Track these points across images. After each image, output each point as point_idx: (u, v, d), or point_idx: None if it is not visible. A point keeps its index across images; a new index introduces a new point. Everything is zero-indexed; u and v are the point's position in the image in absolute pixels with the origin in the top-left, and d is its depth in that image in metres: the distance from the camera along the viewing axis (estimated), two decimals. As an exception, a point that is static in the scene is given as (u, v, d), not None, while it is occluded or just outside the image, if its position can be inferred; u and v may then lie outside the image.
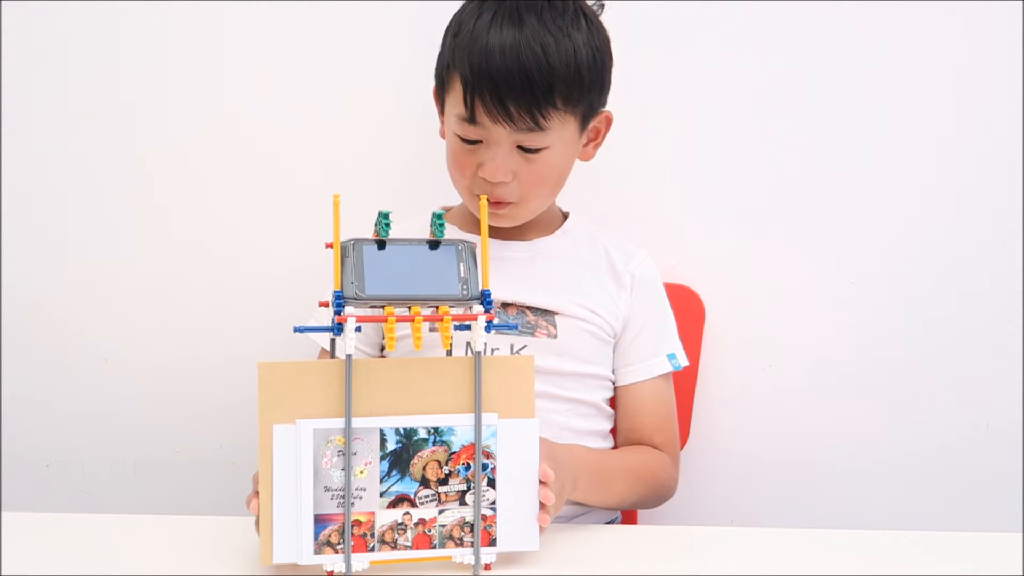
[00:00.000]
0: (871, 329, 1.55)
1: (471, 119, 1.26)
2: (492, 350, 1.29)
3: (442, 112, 1.36)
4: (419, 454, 0.95)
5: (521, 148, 1.27)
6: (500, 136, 1.26)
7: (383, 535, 0.94)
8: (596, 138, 1.38)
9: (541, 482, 1.01)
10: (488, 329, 0.95)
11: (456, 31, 1.29)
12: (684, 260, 1.54)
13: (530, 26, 1.23)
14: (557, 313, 1.33)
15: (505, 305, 1.32)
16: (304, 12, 1.54)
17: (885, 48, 1.52)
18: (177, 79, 1.56)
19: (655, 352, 1.38)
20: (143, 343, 1.58)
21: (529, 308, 1.33)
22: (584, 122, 1.32)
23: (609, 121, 1.37)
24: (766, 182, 1.54)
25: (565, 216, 1.44)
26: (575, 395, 1.33)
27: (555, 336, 1.32)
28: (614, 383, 1.39)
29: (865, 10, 1.51)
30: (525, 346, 1.30)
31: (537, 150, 1.27)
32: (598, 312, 1.35)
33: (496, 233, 1.35)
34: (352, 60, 1.55)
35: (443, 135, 1.37)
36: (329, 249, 0.94)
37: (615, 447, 1.38)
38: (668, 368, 1.38)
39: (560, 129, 1.28)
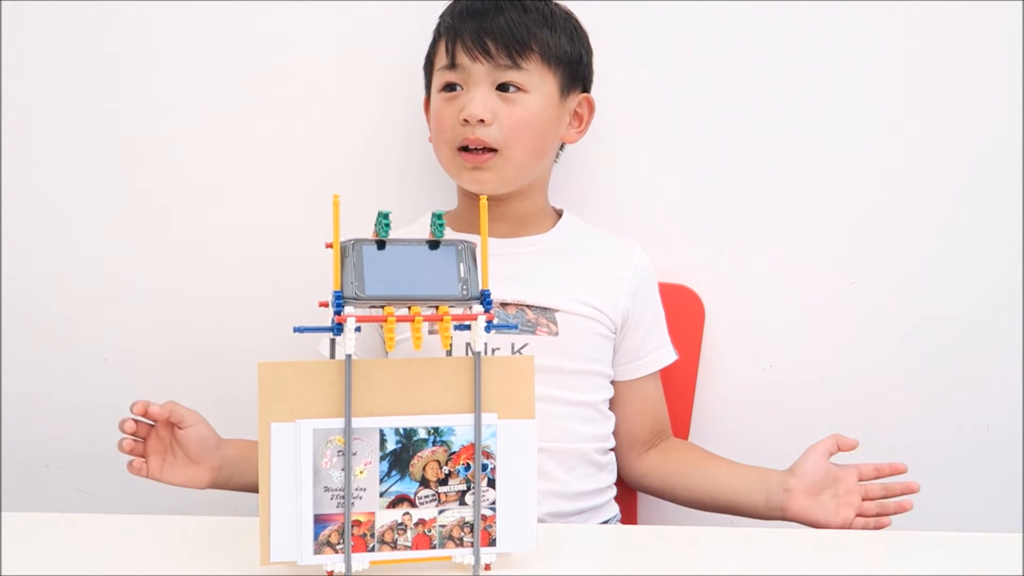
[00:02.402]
0: (871, 329, 1.55)
1: (451, 63, 1.33)
2: (493, 350, 1.29)
3: (429, 104, 1.40)
4: (419, 454, 0.95)
5: (501, 89, 1.32)
6: (479, 75, 1.32)
7: (383, 535, 0.94)
8: (580, 124, 1.42)
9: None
10: (488, 329, 0.95)
11: (442, 15, 1.39)
12: (684, 260, 1.54)
13: None
14: (557, 310, 1.33)
15: (504, 304, 1.32)
16: (306, 12, 1.54)
17: (885, 48, 1.52)
18: (177, 79, 1.56)
19: (663, 343, 1.42)
20: (143, 343, 1.58)
21: (529, 306, 1.33)
22: (564, 89, 1.37)
23: (591, 106, 1.43)
24: (766, 182, 1.54)
25: (559, 215, 1.45)
26: (577, 396, 1.34)
27: (556, 334, 1.32)
28: (613, 381, 1.40)
29: (865, 10, 1.51)
30: (526, 344, 1.31)
31: (516, 90, 1.32)
32: (598, 307, 1.36)
33: (491, 232, 1.36)
34: (353, 61, 1.55)
35: (431, 139, 1.40)
36: (329, 249, 0.94)
37: (623, 437, 1.41)
38: (673, 357, 1.41)
39: (539, 78, 1.34)
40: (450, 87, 1.34)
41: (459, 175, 1.36)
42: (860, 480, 1.24)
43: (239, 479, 1.30)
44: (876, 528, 1.23)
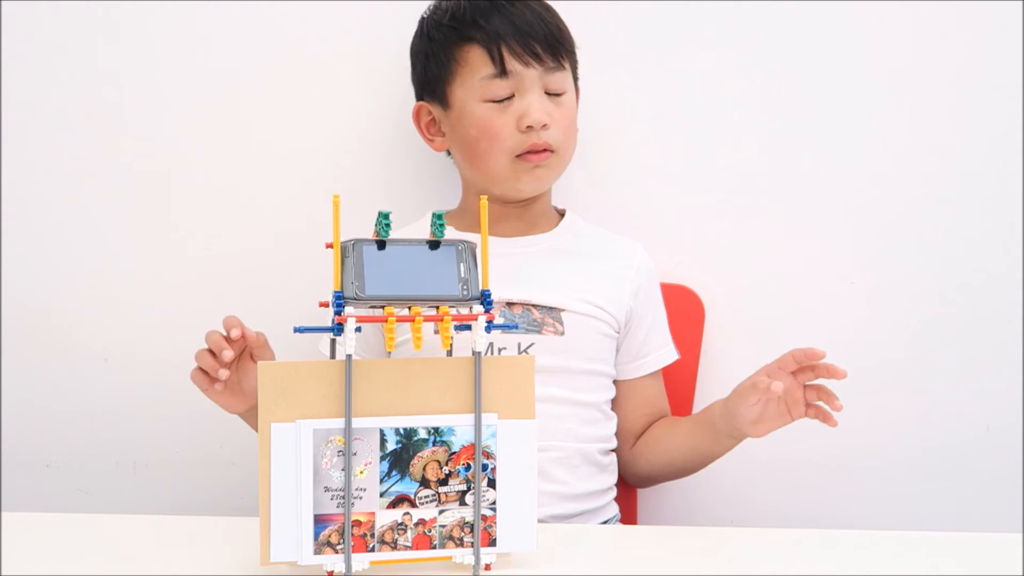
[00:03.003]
0: (871, 329, 1.55)
1: (502, 71, 1.32)
2: (499, 350, 1.29)
3: (443, 114, 1.37)
4: (419, 454, 0.95)
5: (548, 93, 1.34)
6: (532, 80, 1.33)
7: (383, 535, 0.94)
8: None
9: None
10: (488, 329, 0.95)
11: (439, 21, 1.37)
12: (683, 260, 1.54)
13: None
14: (563, 310, 1.34)
15: (510, 304, 1.32)
16: (308, 12, 1.54)
17: (885, 48, 1.52)
18: (177, 80, 1.56)
19: (664, 343, 1.42)
20: (143, 343, 1.58)
21: (535, 306, 1.33)
22: (575, 83, 1.40)
23: (577, 95, 1.44)
24: (766, 182, 1.54)
25: (561, 214, 1.45)
26: (581, 396, 1.34)
27: (562, 333, 1.32)
28: (615, 380, 1.40)
29: (866, 10, 1.51)
30: (532, 344, 1.31)
31: (561, 93, 1.35)
32: (603, 307, 1.36)
33: (497, 231, 1.36)
34: (354, 61, 1.55)
35: (437, 148, 1.39)
36: (329, 249, 0.94)
37: (619, 434, 1.40)
38: (675, 356, 1.41)
39: (569, 77, 1.38)
40: (502, 95, 1.33)
41: (518, 180, 1.35)
42: (787, 371, 1.19)
43: None
44: (831, 410, 1.19)
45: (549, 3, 1.40)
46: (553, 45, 1.33)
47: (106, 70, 1.56)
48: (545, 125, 1.32)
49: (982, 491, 1.55)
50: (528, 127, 1.31)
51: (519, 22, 1.32)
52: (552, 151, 1.34)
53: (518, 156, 1.33)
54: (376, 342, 1.37)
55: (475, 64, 1.33)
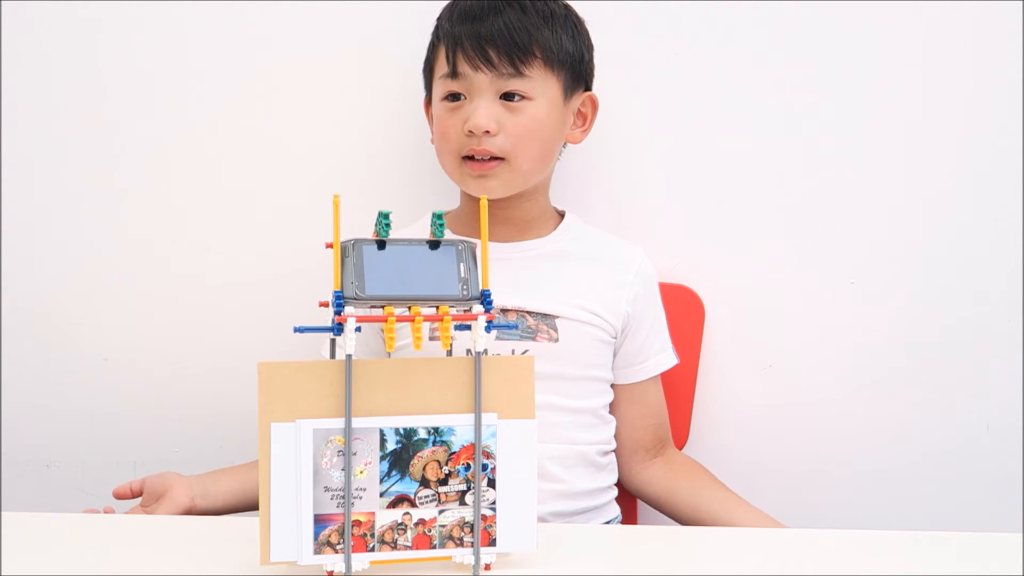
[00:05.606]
0: (871, 330, 1.55)
1: (453, 72, 1.31)
2: None
3: (430, 105, 1.39)
4: (419, 454, 0.95)
5: (505, 98, 1.31)
6: (482, 85, 1.30)
7: (383, 535, 0.94)
8: (584, 123, 1.41)
9: None
10: (488, 329, 0.95)
11: (440, 17, 1.37)
12: (684, 260, 1.54)
13: None
14: (557, 316, 1.33)
15: (505, 311, 1.32)
16: (306, 12, 1.54)
17: (886, 49, 1.52)
18: (177, 79, 1.56)
19: (663, 347, 1.41)
20: (143, 343, 1.58)
21: (529, 312, 1.33)
22: (567, 91, 1.35)
23: (595, 104, 1.41)
24: (766, 182, 1.54)
25: (561, 216, 1.45)
26: (577, 403, 1.33)
27: (556, 340, 1.32)
28: (613, 385, 1.40)
29: (868, 11, 1.51)
30: (527, 351, 1.31)
31: (520, 98, 1.31)
32: (599, 313, 1.35)
33: (493, 236, 1.36)
34: (353, 61, 1.55)
35: (432, 141, 1.40)
36: (329, 249, 0.94)
37: (626, 442, 1.40)
38: (674, 361, 1.41)
39: (543, 84, 1.32)
40: (453, 96, 1.33)
41: (464, 182, 1.35)
42: None
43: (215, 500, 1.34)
44: None
45: (556, 9, 1.36)
46: (512, 51, 1.29)
47: (106, 71, 1.56)
48: (488, 132, 1.29)
49: (982, 491, 1.55)
50: (470, 132, 1.30)
51: (481, 27, 1.30)
52: (500, 159, 1.31)
53: (465, 159, 1.33)
54: (377, 343, 1.37)
55: (440, 63, 1.35)
